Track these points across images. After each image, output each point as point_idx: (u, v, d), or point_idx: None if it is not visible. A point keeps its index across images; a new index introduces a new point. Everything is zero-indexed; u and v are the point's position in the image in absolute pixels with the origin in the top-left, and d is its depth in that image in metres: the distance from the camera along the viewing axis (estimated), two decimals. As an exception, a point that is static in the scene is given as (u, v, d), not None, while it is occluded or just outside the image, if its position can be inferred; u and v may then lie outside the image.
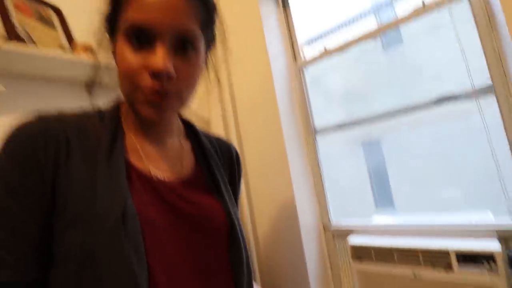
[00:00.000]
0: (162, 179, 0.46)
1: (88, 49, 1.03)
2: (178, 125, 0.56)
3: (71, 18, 1.13)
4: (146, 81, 0.40)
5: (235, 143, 1.40)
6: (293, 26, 1.40)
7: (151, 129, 0.49)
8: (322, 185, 1.36)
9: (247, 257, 0.51)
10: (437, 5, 0.98)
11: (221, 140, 0.63)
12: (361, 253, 1.14)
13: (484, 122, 0.91)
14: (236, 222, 0.50)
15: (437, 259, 0.96)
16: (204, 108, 1.48)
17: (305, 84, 1.39)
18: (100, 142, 0.42)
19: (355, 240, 1.17)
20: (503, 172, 0.91)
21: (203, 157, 0.54)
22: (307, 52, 1.37)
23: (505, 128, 0.89)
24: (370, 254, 1.11)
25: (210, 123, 1.47)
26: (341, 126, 1.33)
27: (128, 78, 0.41)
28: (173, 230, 0.43)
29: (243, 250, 0.50)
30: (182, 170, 0.51)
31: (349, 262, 1.18)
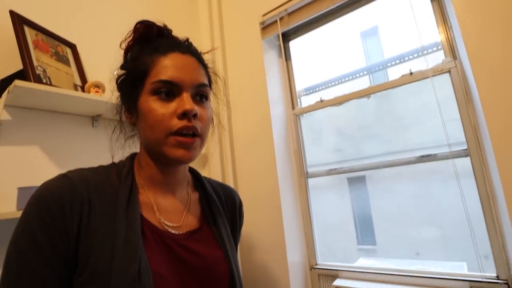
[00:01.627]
0: (172, 231, 0.51)
1: (97, 86, 1.09)
2: (187, 176, 0.61)
3: (84, 52, 1.20)
4: (177, 122, 0.47)
5: (230, 179, 1.47)
6: (293, 76, 1.54)
7: (165, 181, 0.54)
8: (311, 226, 1.43)
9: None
10: (422, 75, 1.13)
11: (225, 188, 0.69)
12: (345, 296, 1.19)
13: (458, 181, 1.02)
14: (236, 273, 0.55)
15: (416, 306, 1.03)
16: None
17: (301, 131, 1.49)
18: (118, 198, 0.47)
19: (340, 283, 1.22)
20: (474, 227, 1.01)
21: (208, 208, 0.60)
22: (304, 101, 1.49)
23: (478, 188, 1.01)
24: (353, 297, 1.17)
25: (207, 159, 1.53)
26: (331, 171, 1.42)
27: (160, 127, 0.48)
28: (179, 281, 0.48)
29: None
30: (189, 221, 0.55)
31: (333, 304, 1.23)
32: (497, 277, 0.98)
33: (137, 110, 0.51)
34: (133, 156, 0.57)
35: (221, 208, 0.62)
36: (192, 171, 0.65)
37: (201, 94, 0.52)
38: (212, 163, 1.49)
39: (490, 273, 0.99)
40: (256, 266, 1.37)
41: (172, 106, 0.48)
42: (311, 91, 1.52)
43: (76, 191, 0.44)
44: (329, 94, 1.38)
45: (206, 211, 0.59)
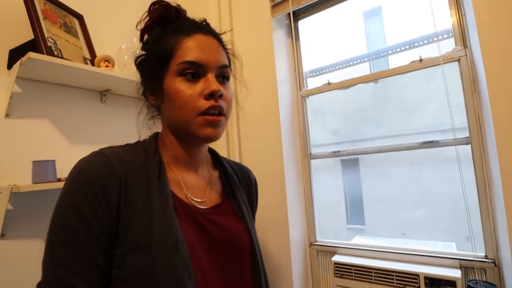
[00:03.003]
0: (198, 206, 0.54)
1: (108, 60, 1.08)
2: (207, 155, 0.64)
3: (90, 24, 1.17)
4: (205, 103, 0.49)
5: (236, 157, 1.50)
6: (300, 58, 1.53)
7: (188, 160, 0.57)
8: (312, 206, 1.49)
9: (265, 274, 0.60)
10: (432, 62, 1.14)
11: (242, 166, 0.72)
12: (342, 271, 1.27)
13: (460, 168, 1.07)
14: (257, 245, 0.59)
15: (409, 281, 1.11)
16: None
17: (306, 112, 1.51)
18: (149, 175, 0.49)
19: (338, 258, 1.30)
20: (470, 210, 1.08)
21: (228, 184, 0.63)
22: (310, 83, 1.49)
23: (475, 174, 1.06)
24: (350, 272, 1.25)
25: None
26: (335, 153, 1.46)
27: (188, 107, 0.49)
28: (208, 252, 0.51)
29: (263, 268, 0.59)
30: (212, 197, 0.58)
31: (330, 277, 1.31)
32: (486, 256, 1.06)
33: (162, 92, 0.52)
34: (156, 135, 0.58)
35: (240, 185, 0.65)
36: (211, 151, 0.67)
37: (223, 75, 0.54)
38: (218, 142, 1.51)
39: (479, 253, 1.07)
40: (260, 242, 1.43)
41: (199, 87, 0.50)
42: (317, 73, 1.52)
43: (114, 167, 0.46)
44: (334, 77, 1.39)
45: (226, 187, 0.62)
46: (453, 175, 1.19)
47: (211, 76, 0.50)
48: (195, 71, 0.50)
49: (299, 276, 1.40)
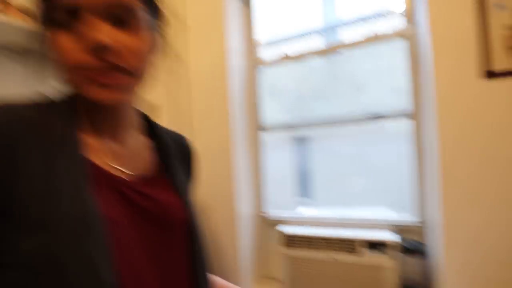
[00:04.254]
0: (122, 176, 0.45)
1: (24, 12, 0.89)
2: (135, 120, 0.54)
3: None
4: (85, 58, 0.37)
5: (180, 128, 1.40)
6: (253, 25, 1.46)
7: (106, 123, 0.47)
8: (262, 178, 1.48)
9: (206, 252, 0.54)
10: (384, 37, 1.18)
11: (179, 136, 0.63)
12: (291, 241, 1.30)
13: (400, 142, 1.15)
14: (195, 219, 0.52)
15: (351, 245, 1.18)
16: (155, 92, 1.43)
17: (258, 82, 1.47)
18: (56, 137, 0.39)
19: (286, 229, 1.33)
20: (401, 181, 1.17)
21: (163, 154, 0.55)
22: (263, 53, 1.44)
23: (414, 147, 1.15)
24: (299, 241, 1.29)
25: (160, 108, 1.42)
26: (284, 127, 1.46)
27: (68, 64, 0.38)
28: (136, 228, 0.43)
29: (203, 246, 0.53)
30: (141, 167, 0.50)
31: (279, 248, 1.34)
32: (417, 220, 1.17)
33: (50, 46, 0.41)
34: (68, 95, 0.47)
35: (175, 155, 0.58)
36: (144, 117, 0.58)
37: (121, 14, 0.39)
38: (164, 113, 1.39)
39: (412, 218, 1.18)
40: (206, 216, 1.39)
41: (80, 37, 0.38)
42: (272, 43, 1.47)
43: (3, 129, 0.36)
44: (289, 49, 1.36)
45: (161, 157, 0.54)
46: (393, 150, 1.28)
47: (91, 21, 0.37)
48: (71, 16, 0.37)
49: (248, 249, 1.41)
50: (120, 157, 0.47)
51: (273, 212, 1.47)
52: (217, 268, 1.43)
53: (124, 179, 0.45)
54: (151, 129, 0.57)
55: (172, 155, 0.56)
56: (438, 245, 1.01)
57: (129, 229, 0.42)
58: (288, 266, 1.32)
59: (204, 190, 1.42)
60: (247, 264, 1.38)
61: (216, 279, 0.63)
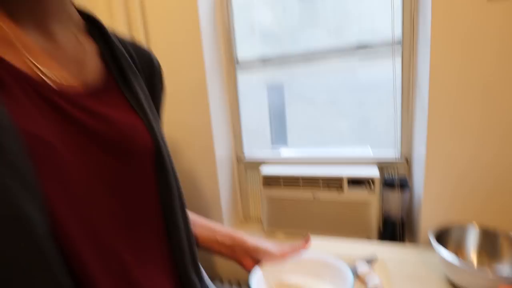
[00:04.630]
0: (54, 83, 0.33)
1: None
2: (74, 16, 0.40)
3: None
4: None
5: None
6: None
7: (25, 9, 0.33)
8: (239, 119, 1.37)
9: (178, 185, 0.44)
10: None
11: (138, 46, 0.49)
12: (271, 181, 1.25)
13: (392, 71, 1.06)
14: (163, 144, 0.41)
15: (333, 183, 1.16)
16: (107, 16, 1.18)
17: (232, 13, 1.27)
18: None
19: (266, 169, 1.27)
20: (391, 116, 1.12)
21: (116, 64, 0.41)
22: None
23: (402, 79, 1.07)
24: (279, 181, 1.24)
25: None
26: (263, 61, 1.31)
27: None
28: (81, 154, 0.32)
29: (173, 177, 0.42)
30: (84, 75, 0.37)
31: (259, 189, 1.29)
32: (400, 156, 1.15)
33: None
34: None
35: (134, 67, 0.44)
36: (87, 16, 0.43)
37: None
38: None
39: (395, 154, 1.16)
40: (183, 159, 1.29)
41: None
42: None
43: None
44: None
45: (113, 68, 0.41)
46: (378, 84, 1.20)
47: None
48: None
49: (227, 190, 1.35)
50: (50, 58, 0.33)
51: (255, 153, 1.40)
52: (197, 210, 1.38)
53: (61, 89, 0.32)
54: (98, 31, 0.42)
55: (130, 65, 0.42)
56: (419, 179, 1.01)
57: (68, 154, 0.30)
58: (269, 206, 1.29)
59: (180, 128, 1.30)
60: (226, 207, 1.34)
61: (195, 217, 0.55)
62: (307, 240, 0.53)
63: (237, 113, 1.37)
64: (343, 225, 1.17)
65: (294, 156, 1.34)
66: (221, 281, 1.37)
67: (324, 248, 0.84)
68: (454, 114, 0.88)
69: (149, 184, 0.39)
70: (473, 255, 0.72)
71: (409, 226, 1.14)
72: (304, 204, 1.21)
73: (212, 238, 0.53)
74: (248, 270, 0.51)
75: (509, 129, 0.84)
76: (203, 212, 1.35)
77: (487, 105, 0.84)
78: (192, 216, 0.52)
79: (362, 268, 0.70)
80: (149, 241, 0.38)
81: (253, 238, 0.55)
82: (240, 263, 0.53)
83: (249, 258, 0.52)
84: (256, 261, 0.52)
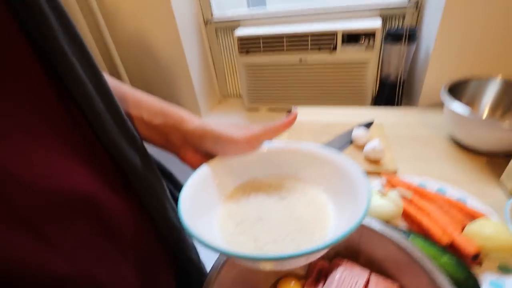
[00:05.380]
0: None
1: None
2: None
3: None
4: None
5: None
6: None
7: None
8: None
9: (62, 13, 0.22)
10: None
11: None
12: (248, 45, 1.02)
13: None
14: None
15: (324, 41, 0.94)
16: None
17: None
18: None
19: (242, 32, 1.02)
20: None
21: None
22: None
23: None
24: (258, 44, 1.01)
25: None
26: None
27: None
28: None
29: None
30: None
31: (235, 57, 1.08)
32: (408, 1, 0.90)
33: None
34: None
35: None
36: None
37: None
38: None
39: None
40: (136, 21, 1.01)
41: None
42: None
43: None
44: None
45: None
46: None
47: None
48: None
49: (196, 61, 1.13)
50: None
51: (226, 13, 1.11)
52: (163, 92, 1.19)
53: None
54: None
55: None
56: (430, 28, 0.80)
57: None
58: (248, 77, 1.10)
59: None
60: (201, 82, 1.15)
61: (119, 85, 0.29)
62: (291, 116, 0.23)
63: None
64: (334, 92, 1.03)
65: (276, 11, 1.06)
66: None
67: (312, 118, 0.71)
68: None
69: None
70: (485, 110, 0.60)
71: (408, 89, 1.01)
72: (290, 71, 1.02)
73: (138, 116, 0.26)
74: (192, 168, 0.25)
75: None
76: (172, 91, 1.16)
77: None
78: (113, 83, 0.27)
79: (358, 132, 0.58)
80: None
81: (204, 120, 0.25)
82: (178, 156, 0.26)
83: (190, 148, 0.25)
84: (205, 155, 0.25)
